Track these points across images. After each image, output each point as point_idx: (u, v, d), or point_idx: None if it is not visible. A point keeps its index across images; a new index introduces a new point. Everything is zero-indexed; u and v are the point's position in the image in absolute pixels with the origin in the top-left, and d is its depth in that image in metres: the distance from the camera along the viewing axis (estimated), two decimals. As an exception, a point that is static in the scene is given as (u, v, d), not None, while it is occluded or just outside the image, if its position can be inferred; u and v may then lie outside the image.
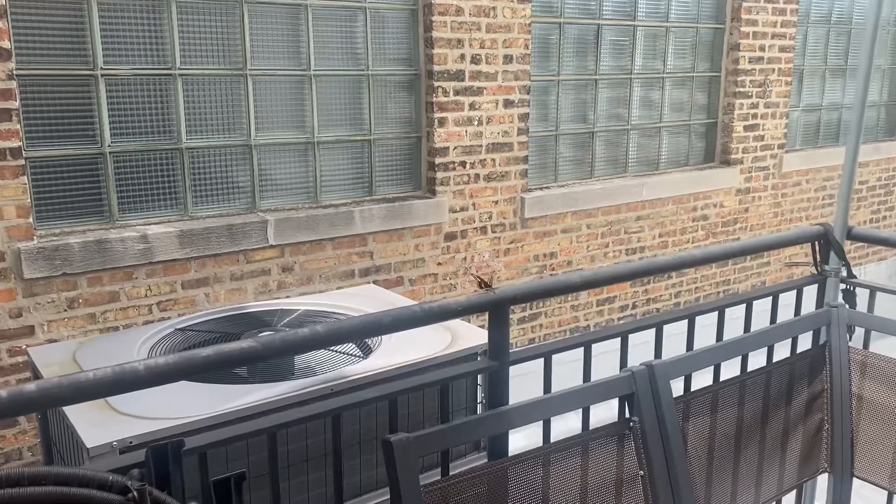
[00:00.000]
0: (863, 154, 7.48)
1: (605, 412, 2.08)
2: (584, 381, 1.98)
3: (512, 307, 1.83)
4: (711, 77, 6.22)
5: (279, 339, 1.43)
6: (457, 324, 2.92)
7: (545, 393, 1.90)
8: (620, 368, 2.06)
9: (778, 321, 2.53)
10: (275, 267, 4.18)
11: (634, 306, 5.98)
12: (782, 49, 6.44)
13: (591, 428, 1.95)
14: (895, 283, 8.03)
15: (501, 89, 4.86)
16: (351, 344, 2.92)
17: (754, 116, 6.41)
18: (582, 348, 1.97)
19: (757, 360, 2.41)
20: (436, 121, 4.61)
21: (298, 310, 3.09)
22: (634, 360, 2.12)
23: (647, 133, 5.93)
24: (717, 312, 2.30)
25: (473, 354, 2.78)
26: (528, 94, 4.99)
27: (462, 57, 4.63)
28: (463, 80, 4.67)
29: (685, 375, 2.15)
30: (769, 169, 6.64)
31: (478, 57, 4.70)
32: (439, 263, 4.80)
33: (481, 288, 1.74)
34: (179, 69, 3.86)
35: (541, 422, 1.89)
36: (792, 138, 6.94)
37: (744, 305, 2.39)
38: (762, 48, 6.30)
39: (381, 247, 4.54)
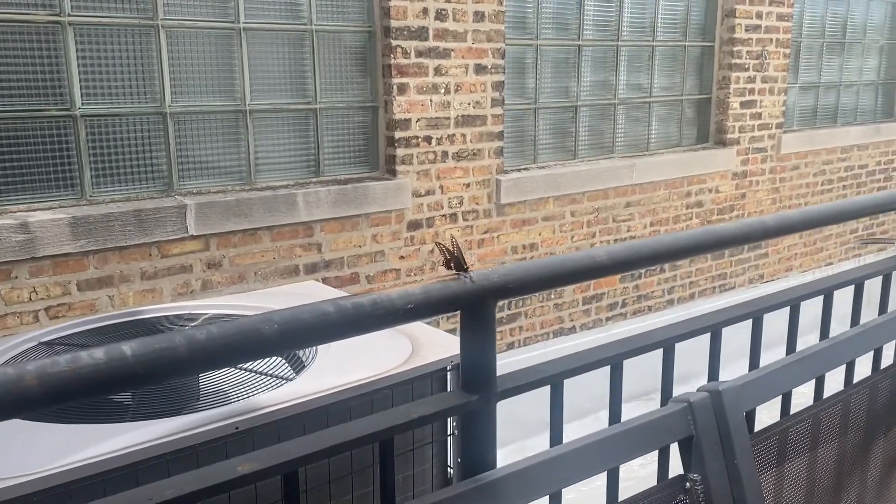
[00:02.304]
0: (862, 136, 6.92)
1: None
2: (610, 420, 1.26)
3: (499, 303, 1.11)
4: (704, 47, 5.57)
5: (35, 372, 0.70)
6: (418, 327, 2.19)
7: (553, 441, 1.19)
8: (662, 398, 1.35)
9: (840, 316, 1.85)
10: (198, 262, 3.41)
11: (624, 304, 5.30)
12: (780, 17, 5.82)
13: (621, 497, 1.23)
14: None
15: (472, 52, 4.14)
16: (279, 359, 2.18)
17: (751, 92, 5.77)
18: (608, 367, 1.26)
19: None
20: (395, 87, 3.88)
21: (206, 314, 2.34)
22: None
23: (636, 109, 5.25)
24: (788, 308, 1.60)
25: (441, 370, 2.05)
26: (502, 58, 4.27)
27: (425, 11, 3.91)
28: (426, 38, 3.94)
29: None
30: (767, 150, 6.01)
31: (443, 12, 3.98)
32: (402, 257, 4.07)
33: (449, 269, 1.03)
34: (71, 15, 3.08)
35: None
36: (789, 118, 6.33)
37: (815, 298, 1.69)
38: (759, 15, 5.66)
39: (332, 238, 3.79)
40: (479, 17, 4.12)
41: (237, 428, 1.74)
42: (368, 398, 1.90)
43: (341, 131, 3.90)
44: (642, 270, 5.34)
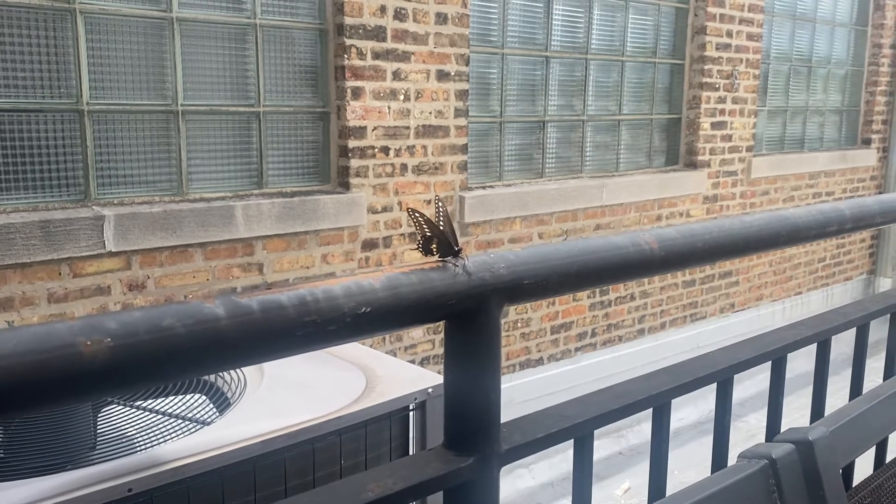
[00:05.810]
0: (829, 162, 6.77)
1: None
2: (651, 490, 0.88)
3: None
4: (674, 65, 5.33)
5: None
6: (374, 357, 1.78)
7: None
8: (716, 453, 0.97)
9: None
10: (118, 283, 2.95)
11: (594, 333, 4.95)
12: (750, 37, 5.64)
13: None
14: None
15: (434, 56, 3.79)
16: (199, 395, 1.74)
17: (722, 112, 5.55)
18: (649, 410, 0.87)
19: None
20: (349, 91, 3.49)
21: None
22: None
23: (605, 127, 4.96)
24: (854, 330, 1.24)
25: (403, 410, 1.64)
26: (466, 65, 3.93)
27: (382, 9, 3.55)
28: (384, 39, 3.58)
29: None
30: (737, 174, 5.79)
31: (403, 12, 3.63)
32: (355, 280, 3.64)
33: (429, 254, 0.64)
34: (-32, -7, 2.64)
35: None
36: (759, 141, 6.14)
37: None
38: (729, 33, 5.47)
39: (275, 257, 3.36)
40: (441, 18, 3.79)
41: (130, 490, 1.30)
42: (309, 446, 1.47)
43: (288, 138, 3.49)
44: (612, 297, 5.02)
